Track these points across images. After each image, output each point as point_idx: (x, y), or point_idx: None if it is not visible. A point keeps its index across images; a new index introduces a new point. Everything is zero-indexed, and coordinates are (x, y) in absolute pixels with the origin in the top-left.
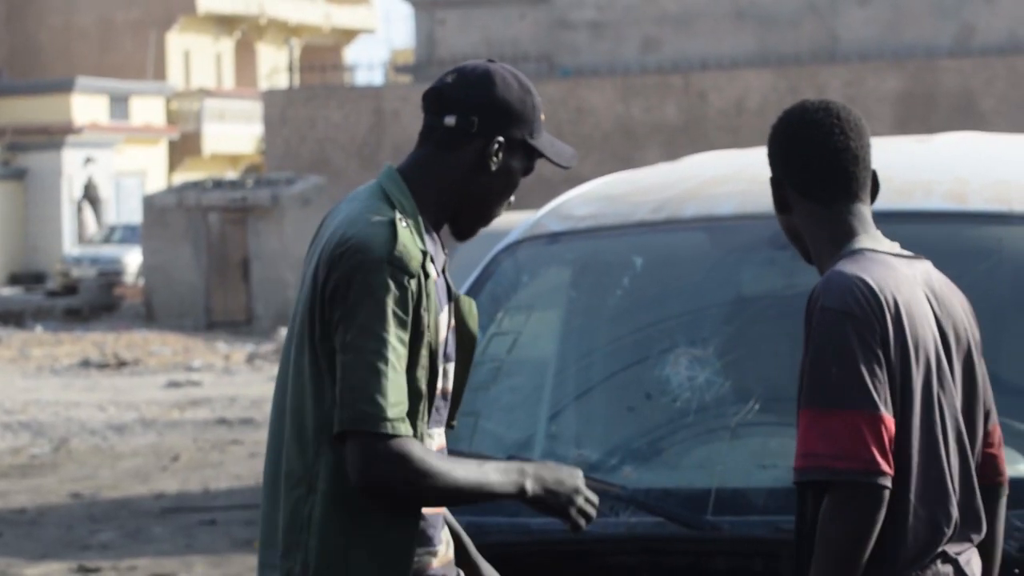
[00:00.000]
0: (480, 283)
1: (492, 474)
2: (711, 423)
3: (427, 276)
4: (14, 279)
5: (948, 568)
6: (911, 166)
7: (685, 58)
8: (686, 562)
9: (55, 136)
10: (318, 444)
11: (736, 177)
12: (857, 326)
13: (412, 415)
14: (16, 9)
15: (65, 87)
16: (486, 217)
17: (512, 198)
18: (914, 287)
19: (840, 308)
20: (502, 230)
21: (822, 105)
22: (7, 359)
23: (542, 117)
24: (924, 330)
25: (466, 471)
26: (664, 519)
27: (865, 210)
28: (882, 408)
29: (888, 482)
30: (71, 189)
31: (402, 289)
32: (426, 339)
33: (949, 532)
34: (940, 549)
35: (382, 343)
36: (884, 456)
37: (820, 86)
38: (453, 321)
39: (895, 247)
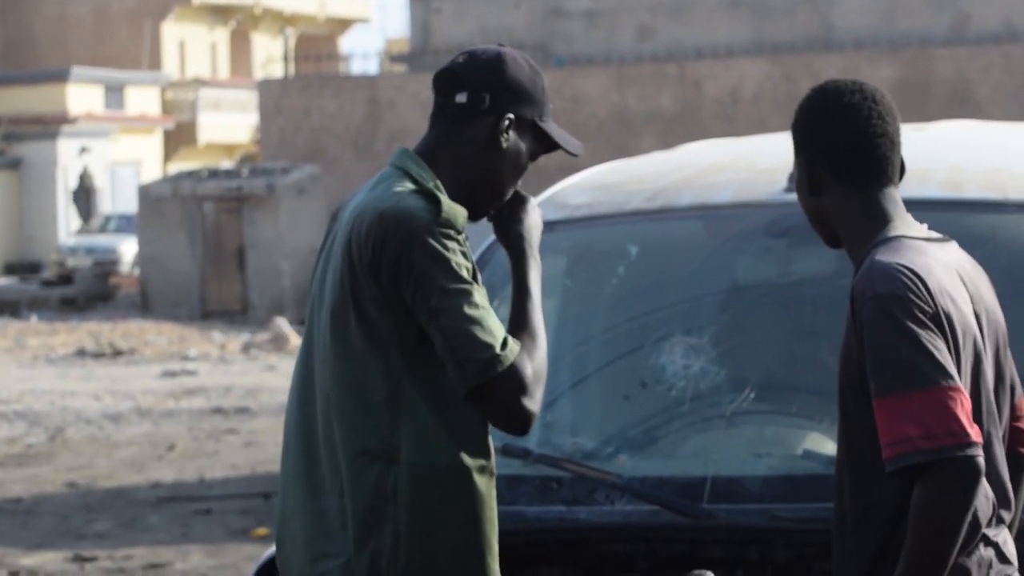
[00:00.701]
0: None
1: (535, 291)
2: (707, 411)
3: (465, 240)
4: (9, 269)
5: (990, 552)
6: (906, 154)
7: (680, 47)
8: (682, 550)
9: (50, 126)
10: (393, 417)
11: (731, 166)
12: (912, 307)
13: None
14: None
15: (60, 77)
16: (496, 197)
17: (520, 182)
18: (950, 272)
19: (892, 293)
20: None
21: (856, 87)
22: (3, 349)
23: (550, 106)
24: (966, 313)
25: (536, 316)
26: (660, 507)
27: (897, 194)
28: (957, 379)
29: (979, 451)
30: (66, 179)
31: (459, 245)
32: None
33: (991, 513)
34: (983, 532)
35: (465, 296)
36: (971, 425)
37: (815, 74)
38: None
39: (925, 230)
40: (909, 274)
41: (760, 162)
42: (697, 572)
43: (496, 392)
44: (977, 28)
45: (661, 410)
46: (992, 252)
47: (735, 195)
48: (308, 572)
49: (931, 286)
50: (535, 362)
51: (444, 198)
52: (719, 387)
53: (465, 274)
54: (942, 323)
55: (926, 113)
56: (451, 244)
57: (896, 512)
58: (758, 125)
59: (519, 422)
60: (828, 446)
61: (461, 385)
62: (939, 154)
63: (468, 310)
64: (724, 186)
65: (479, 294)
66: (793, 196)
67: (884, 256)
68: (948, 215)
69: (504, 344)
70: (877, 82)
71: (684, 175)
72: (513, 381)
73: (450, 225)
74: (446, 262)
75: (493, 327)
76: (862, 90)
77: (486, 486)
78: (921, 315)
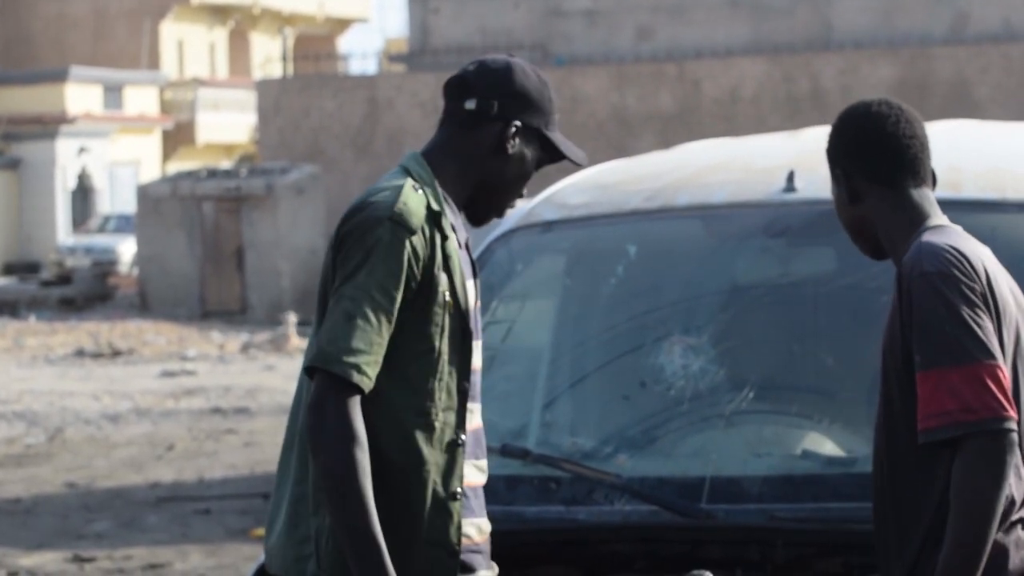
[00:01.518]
0: None
1: (375, 544)
2: (706, 411)
3: (444, 237)
4: (8, 269)
5: None
6: None
7: (679, 47)
8: (681, 550)
9: (49, 126)
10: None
11: (730, 165)
12: (959, 285)
13: (421, 374)
14: None
15: (59, 77)
16: (500, 202)
17: (525, 191)
18: (993, 261)
19: (940, 270)
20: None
21: (882, 100)
22: (2, 349)
23: (557, 116)
24: (1008, 298)
25: (367, 504)
26: (659, 507)
27: (931, 195)
28: (998, 357)
29: (1015, 425)
30: (65, 179)
31: (399, 244)
32: (443, 299)
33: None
34: (1019, 511)
35: (363, 291)
36: (1008, 401)
37: (814, 74)
38: (479, 301)
39: (961, 230)
40: (956, 254)
41: (759, 162)
42: (696, 572)
43: (317, 384)
44: (976, 28)
45: (660, 410)
46: (991, 252)
47: (734, 195)
48: (296, 554)
49: (977, 266)
50: (348, 453)
51: (409, 194)
52: (718, 387)
53: (381, 274)
54: (987, 301)
55: (925, 113)
56: (390, 239)
57: (940, 496)
58: (757, 125)
59: (310, 423)
60: (827, 446)
61: (305, 359)
62: (938, 154)
63: (351, 307)
64: (723, 186)
65: (378, 300)
66: (792, 196)
67: (931, 238)
68: (947, 215)
69: (354, 355)
70: (876, 82)
71: (683, 175)
72: (334, 389)
73: (401, 221)
74: (370, 254)
75: (354, 336)
76: (888, 102)
77: (422, 482)
78: (968, 291)
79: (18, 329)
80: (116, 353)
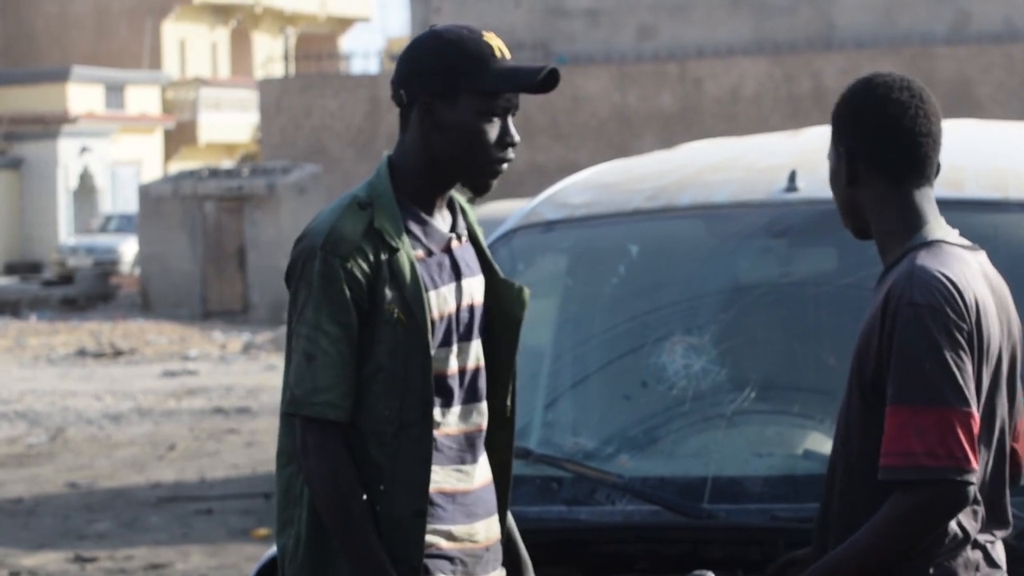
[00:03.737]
0: None
1: (372, 548)
2: (707, 411)
3: (393, 251)
4: (10, 269)
5: (978, 554)
6: None
7: (681, 46)
8: (682, 550)
9: (51, 125)
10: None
11: (732, 165)
12: (946, 322)
13: (373, 394)
14: None
15: (60, 76)
16: (477, 171)
17: (510, 138)
18: (983, 283)
19: (929, 303)
20: (498, 218)
21: (905, 84)
22: (3, 349)
23: (493, 53)
24: (994, 328)
25: (360, 522)
26: (660, 507)
27: (932, 193)
28: (972, 405)
29: (974, 479)
30: (67, 179)
31: (333, 272)
32: (389, 315)
33: (978, 526)
34: (972, 538)
35: (313, 328)
36: (974, 453)
37: (816, 73)
38: (477, 299)
39: (957, 235)
40: (949, 286)
41: (760, 161)
42: (698, 572)
43: (299, 429)
44: (978, 27)
45: (662, 410)
46: (993, 252)
47: (735, 194)
48: None
49: (968, 299)
50: (332, 477)
51: (344, 219)
52: (720, 387)
53: (325, 307)
54: (973, 339)
55: None
56: (326, 269)
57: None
58: (759, 124)
59: (304, 468)
60: (828, 446)
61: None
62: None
63: (307, 346)
64: (724, 185)
65: (330, 332)
66: (793, 195)
67: (926, 262)
68: (949, 214)
69: (324, 392)
70: None
71: (685, 174)
72: (313, 431)
73: (332, 249)
74: (311, 288)
75: (320, 369)
76: (910, 88)
77: (384, 502)
78: (954, 331)
79: (20, 329)
80: (118, 353)
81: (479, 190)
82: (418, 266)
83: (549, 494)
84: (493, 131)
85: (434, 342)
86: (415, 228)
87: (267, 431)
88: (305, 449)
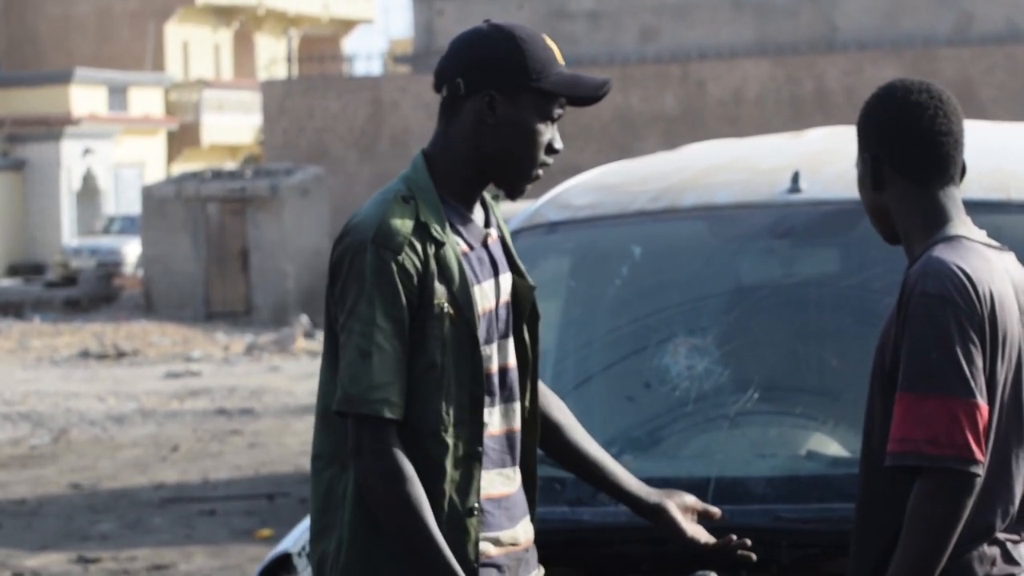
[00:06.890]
0: None
1: (439, 546)
2: (710, 412)
3: (440, 245)
4: (13, 270)
5: (995, 550)
6: None
7: (683, 48)
8: (686, 551)
9: (54, 127)
10: (346, 424)
11: (735, 166)
12: (957, 313)
13: (427, 391)
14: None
15: (63, 78)
16: (522, 171)
17: (558, 144)
18: (1004, 280)
19: (941, 294)
20: None
21: (924, 87)
22: (6, 350)
23: (556, 58)
24: (1013, 324)
25: (425, 518)
26: None
27: (958, 194)
28: (978, 396)
29: (980, 470)
30: (70, 180)
31: (386, 267)
32: (440, 310)
33: (1004, 525)
34: (994, 536)
35: (367, 324)
36: (978, 443)
37: (818, 75)
38: (506, 297)
39: (984, 235)
40: (961, 276)
41: (763, 163)
42: (701, 573)
43: (351, 428)
44: (980, 29)
45: (665, 411)
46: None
47: (738, 196)
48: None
49: (981, 291)
50: (395, 479)
51: (392, 212)
52: (723, 388)
53: (379, 301)
54: (985, 331)
55: None
56: (378, 263)
57: (903, 507)
58: (761, 126)
59: (358, 469)
60: (832, 447)
61: (334, 403)
62: None
63: (361, 342)
64: (727, 187)
65: (384, 328)
66: (796, 196)
67: (942, 253)
68: None
69: (379, 390)
70: (880, 82)
71: (687, 176)
72: (367, 430)
73: (384, 243)
74: (363, 283)
75: (374, 370)
76: (929, 90)
77: (438, 501)
78: (965, 322)
79: (23, 330)
80: (121, 354)
81: (514, 192)
82: (463, 261)
83: (552, 495)
84: (546, 134)
85: (492, 338)
86: (456, 222)
87: (270, 432)
88: (359, 449)
